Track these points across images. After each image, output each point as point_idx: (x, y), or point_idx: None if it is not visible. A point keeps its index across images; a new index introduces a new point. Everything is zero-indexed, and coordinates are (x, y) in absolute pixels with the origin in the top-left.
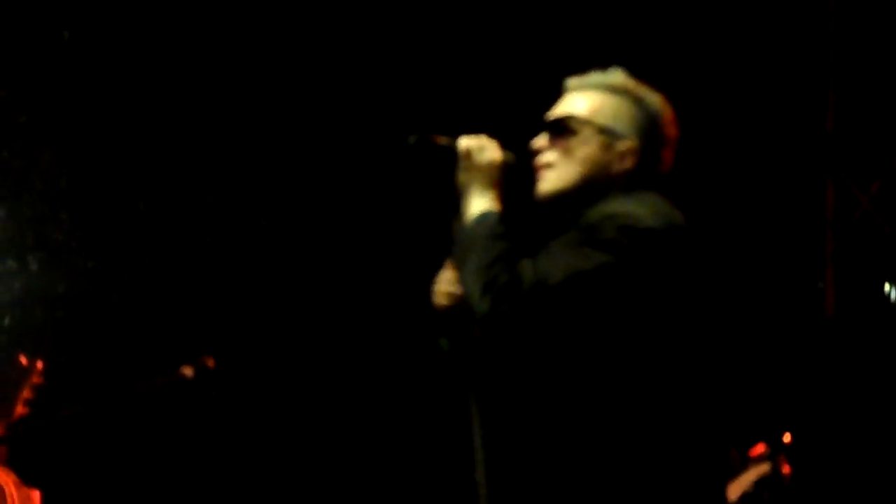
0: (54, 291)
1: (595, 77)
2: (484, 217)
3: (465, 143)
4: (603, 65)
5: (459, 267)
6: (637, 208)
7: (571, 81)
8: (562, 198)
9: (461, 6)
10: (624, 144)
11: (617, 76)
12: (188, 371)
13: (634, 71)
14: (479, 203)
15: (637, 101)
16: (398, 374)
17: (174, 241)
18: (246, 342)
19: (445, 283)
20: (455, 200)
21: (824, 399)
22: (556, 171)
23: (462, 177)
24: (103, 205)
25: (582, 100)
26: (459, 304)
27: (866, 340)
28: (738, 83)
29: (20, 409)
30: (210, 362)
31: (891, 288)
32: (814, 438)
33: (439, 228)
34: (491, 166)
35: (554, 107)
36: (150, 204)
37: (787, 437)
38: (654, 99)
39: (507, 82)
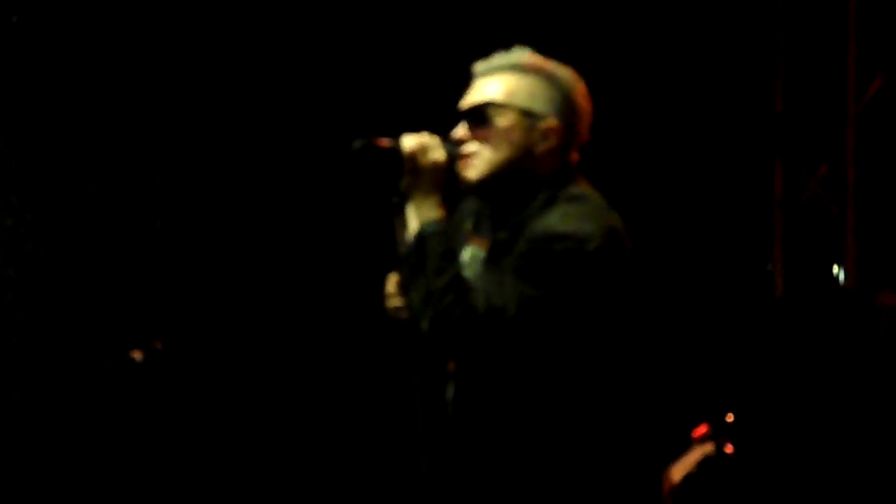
0: (3, 275)
1: (502, 58)
2: (431, 230)
3: (407, 144)
4: (507, 44)
5: (407, 282)
6: (581, 224)
7: (479, 66)
8: (490, 183)
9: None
10: (544, 123)
11: (524, 55)
12: (138, 355)
13: (576, 52)
14: (424, 211)
15: (549, 78)
16: (344, 363)
17: (123, 225)
18: (196, 326)
19: (396, 298)
20: (401, 202)
21: (772, 380)
22: (482, 159)
23: (406, 181)
24: (53, 188)
25: (495, 84)
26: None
27: (815, 322)
28: (687, 64)
29: None
30: (159, 346)
31: (839, 270)
32: (758, 419)
33: (385, 232)
34: (435, 168)
35: (466, 95)
36: (100, 187)
37: (729, 418)
38: (565, 73)
39: (411, 73)
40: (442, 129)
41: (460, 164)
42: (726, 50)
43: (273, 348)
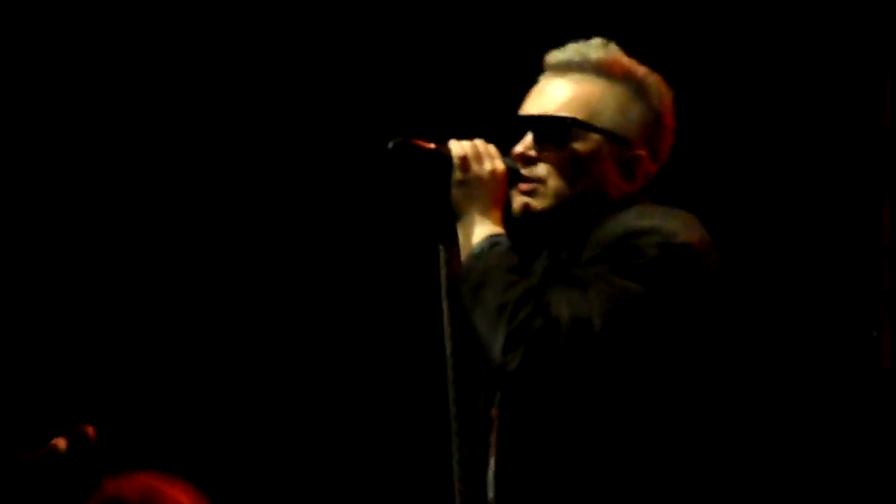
0: None
1: (582, 53)
2: (494, 244)
3: (458, 149)
4: (584, 33)
5: (470, 308)
6: (665, 220)
7: (552, 57)
8: (553, 216)
9: None
10: (632, 152)
11: (610, 52)
12: (61, 444)
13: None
14: (483, 227)
15: (641, 89)
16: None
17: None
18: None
19: None
20: (444, 221)
21: (881, 471)
22: (551, 189)
23: (458, 194)
24: None
25: (576, 92)
26: None
27: None
28: (775, 73)
29: None
30: (90, 431)
31: None
32: None
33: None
34: (493, 180)
35: (533, 94)
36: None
37: None
38: (656, 83)
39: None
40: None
41: (520, 187)
42: (823, 60)
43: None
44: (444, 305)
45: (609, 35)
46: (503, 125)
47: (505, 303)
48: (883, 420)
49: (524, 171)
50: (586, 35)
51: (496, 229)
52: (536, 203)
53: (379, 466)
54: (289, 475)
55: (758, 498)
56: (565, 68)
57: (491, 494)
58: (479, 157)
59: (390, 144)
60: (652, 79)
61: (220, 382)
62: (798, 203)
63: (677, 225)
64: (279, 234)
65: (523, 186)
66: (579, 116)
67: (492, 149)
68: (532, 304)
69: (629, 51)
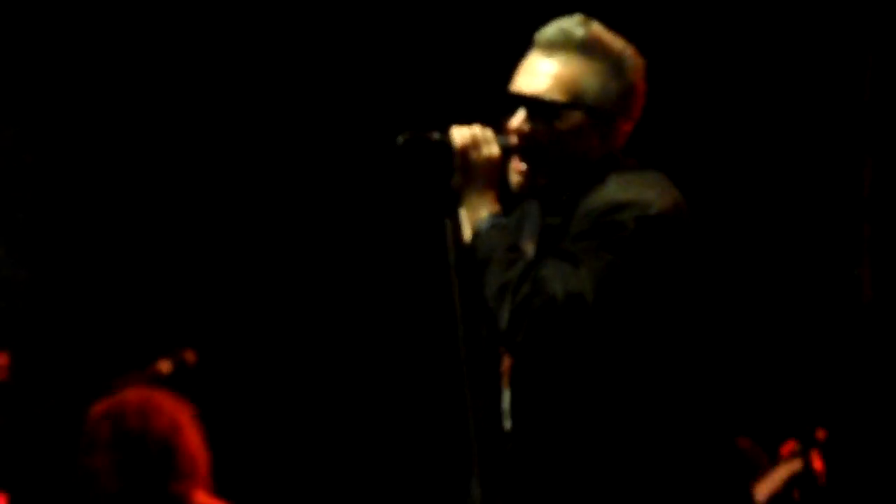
0: (15, 278)
1: (566, 32)
2: (492, 224)
3: (459, 138)
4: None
5: (476, 281)
6: (641, 192)
7: (540, 35)
8: (546, 187)
9: None
10: (611, 123)
11: (591, 30)
12: (165, 366)
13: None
14: (482, 208)
15: (618, 64)
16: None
17: (150, 221)
18: (231, 332)
19: None
20: (448, 198)
21: (861, 391)
22: (544, 163)
23: (459, 178)
24: (66, 189)
25: (560, 71)
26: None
27: None
28: (765, 50)
29: None
30: (190, 356)
31: None
32: (850, 434)
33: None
34: (489, 164)
35: (522, 70)
36: (129, 182)
37: (820, 434)
38: (631, 56)
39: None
40: (482, 103)
41: (516, 167)
42: (809, 35)
43: (315, 359)
44: (451, 267)
45: (594, 10)
46: (499, 99)
47: (507, 282)
48: (862, 342)
49: (518, 146)
50: (573, 9)
51: (493, 209)
52: (531, 185)
53: (396, 407)
54: (308, 430)
55: (746, 425)
56: (552, 47)
57: (508, 425)
58: (476, 145)
59: (400, 139)
60: (628, 52)
61: (247, 343)
62: (795, 164)
63: (652, 195)
64: (308, 220)
65: (519, 167)
66: (565, 96)
67: (488, 133)
68: (530, 282)
69: (616, 26)
